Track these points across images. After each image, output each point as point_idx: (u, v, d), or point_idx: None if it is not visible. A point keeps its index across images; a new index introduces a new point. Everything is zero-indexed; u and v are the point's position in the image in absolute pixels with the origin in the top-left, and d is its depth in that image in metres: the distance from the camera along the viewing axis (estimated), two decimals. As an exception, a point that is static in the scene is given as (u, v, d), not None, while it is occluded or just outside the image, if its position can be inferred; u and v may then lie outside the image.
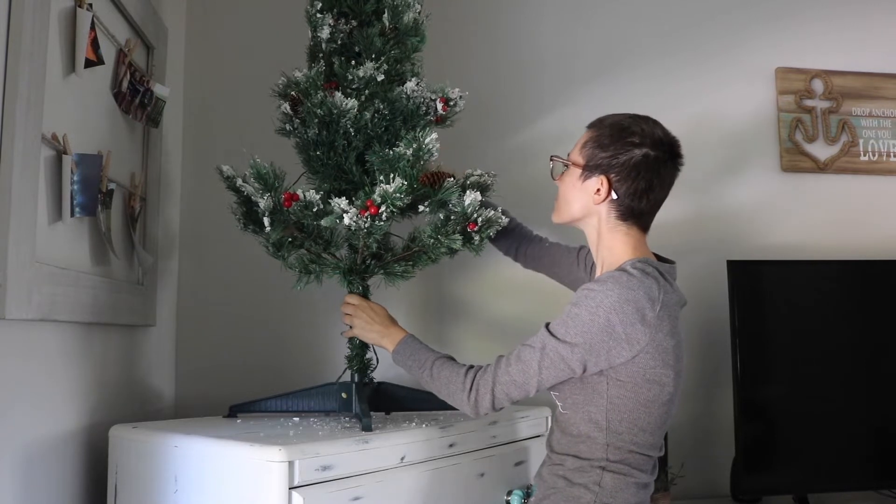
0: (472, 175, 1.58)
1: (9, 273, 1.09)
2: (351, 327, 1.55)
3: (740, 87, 2.25)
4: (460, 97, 1.60)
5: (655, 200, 1.36)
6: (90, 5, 1.35)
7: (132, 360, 1.67)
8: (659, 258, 1.39)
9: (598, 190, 1.34)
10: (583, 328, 1.25)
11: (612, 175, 1.33)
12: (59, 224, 1.29)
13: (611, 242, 1.37)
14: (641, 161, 1.32)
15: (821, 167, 2.27)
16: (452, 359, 1.42)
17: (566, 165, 1.41)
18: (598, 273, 1.40)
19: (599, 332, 1.24)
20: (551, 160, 1.46)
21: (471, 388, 1.33)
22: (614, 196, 1.34)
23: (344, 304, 1.56)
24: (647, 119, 1.37)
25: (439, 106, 1.58)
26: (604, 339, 1.24)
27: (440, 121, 1.60)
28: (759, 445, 1.91)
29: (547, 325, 1.30)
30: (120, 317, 1.55)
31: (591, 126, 1.41)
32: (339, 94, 1.47)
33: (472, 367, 1.37)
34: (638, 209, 1.35)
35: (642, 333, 1.24)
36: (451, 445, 1.47)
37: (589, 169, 1.36)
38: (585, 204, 1.37)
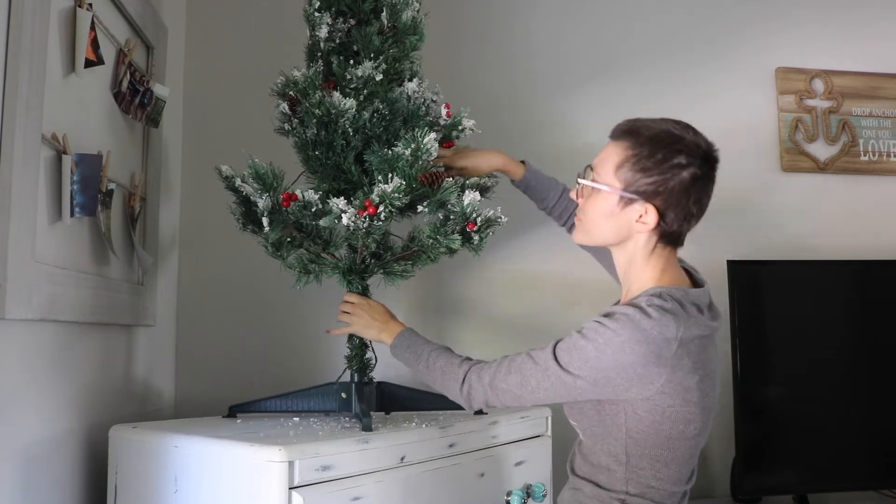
0: (472, 176, 1.58)
1: (9, 273, 1.09)
2: (348, 325, 1.55)
3: (740, 87, 2.25)
4: (472, 129, 1.61)
5: (701, 216, 1.24)
6: (90, 5, 1.35)
7: (132, 360, 1.67)
8: (690, 276, 1.28)
9: (641, 217, 1.20)
10: (588, 364, 1.15)
11: (659, 202, 1.19)
12: (58, 224, 1.29)
13: (642, 269, 1.25)
14: (691, 183, 1.18)
15: (821, 167, 2.27)
16: (450, 350, 1.39)
17: (598, 189, 1.24)
18: (622, 297, 1.30)
19: (606, 370, 1.14)
20: (578, 182, 1.29)
21: (464, 381, 1.29)
22: (664, 225, 1.20)
23: (343, 303, 1.56)
24: (686, 127, 1.22)
25: (443, 111, 1.58)
26: (611, 377, 1.14)
27: (447, 145, 1.59)
28: (759, 445, 1.91)
29: (555, 346, 1.20)
30: (120, 317, 1.55)
31: (623, 137, 1.23)
32: (337, 94, 1.47)
33: (468, 359, 1.34)
34: (684, 232, 1.24)
35: (657, 375, 1.13)
36: (451, 445, 1.47)
37: (630, 195, 1.20)
38: (624, 231, 1.23)
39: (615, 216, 1.23)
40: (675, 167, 1.17)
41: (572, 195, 1.32)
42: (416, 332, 1.47)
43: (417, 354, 1.40)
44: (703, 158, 1.19)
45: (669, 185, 1.18)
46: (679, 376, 1.14)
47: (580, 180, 1.28)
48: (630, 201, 1.20)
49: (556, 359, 1.18)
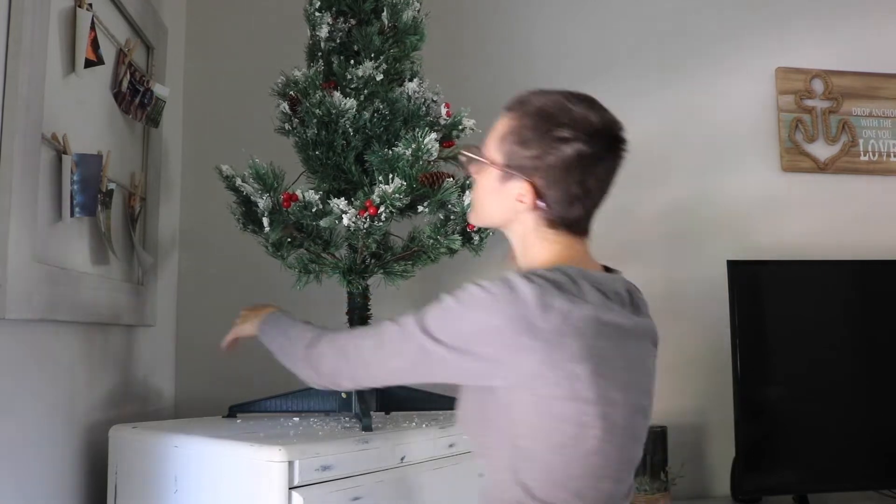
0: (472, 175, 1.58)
1: (9, 273, 1.09)
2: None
3: (740, 87, 2.25)
4: (472, 128, 1.60)
5: (593, 203, 1.08)
6: (90, 5, 1.35)
7: (132, 360, 1.67)
8: (607, 270, 1.13)
9: (521, 195, 1.07)
10: (450, 325, 1.01)
11: (538, 180, 1.05)
12: (59, 224, 1.29)
13: (535, 252, 1.10)
14: (574, 161, 1.03)
15: (821, 167, 2.27)
16: (310, 324, 1.25)
17: (481, 163, 1.12)
18: None
19: (469, 334, 0.99)
20: (461, 155, 1.18)
21: (312, 344, 1.16)
22: (541, 205, 1.06)
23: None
24: (579, 99, 1.07)
25: (443, 111, 1.58)
26: (474, 344, 0.99)
27: (448, 145, 1.59)
28: (759, 445, 1.91)
29: (421, 312, 1.05)
30: (120, 317, 1.55)
31: (511, 108, 1.10)
32: (337, 94, 1.47)
33: (325, 328, 1.20)
34: (571, 217, 1.07)
35: (528, 349, 0.96)
36: (450, 445, 1.47)
37: (510, 170, 1.07)
38: (507, 210, 1.09)
39: (497, 193, 1.09)
40: (557, 141, 1.03)
41: (465, 171, 1.22)
42: (288, 312, 1.33)
43: (282, 328, 1.26)
44: (593, 134, 1.04)
45: (548, 161, 1.04)
46: (559, 358, 0.96)
47: (462, 152, 1.17)
48: (509, 177, 1.07)
49: (420, 320, 1.03)
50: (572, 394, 0.97)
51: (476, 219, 1.19)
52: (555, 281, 0.99)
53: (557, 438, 0.98)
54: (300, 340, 1.19)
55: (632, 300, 1.09)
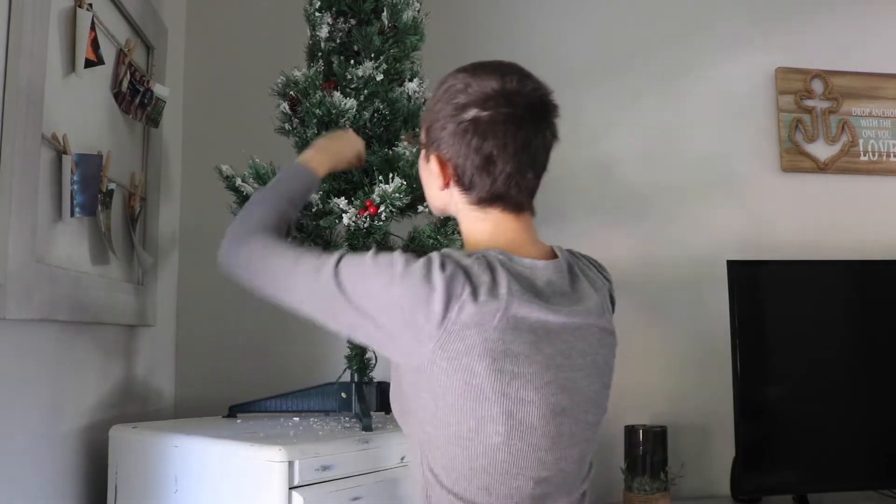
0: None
1: (9, 273, 1.09)
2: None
3: (740, 86, 2.25)
4: None
5: (506, 174, 1.01)
6: (90, 5, 1.35)
7: (132, 360, 1.67)
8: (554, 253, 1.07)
9: (438, 170, 1.05)
10: (358, 280, 0.97)
11: (444, 151, 1.03)
12: (59, 224, 1.29)
13: (469, 233, 1.07)
14: (470, 127, 1.00)
15: (821, 167, 2.27)
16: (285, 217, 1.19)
17: (416, 144, 1.12)
18: None
19: (372, 295, 0.96)
20: (403, 139, 1.18)
21: (244, 226, 1.13)
22: (451, 173, 1.04)
23: None
24: (481, 67, 1.05)
25: None
26: (373, 308, 0.96)
27: None
28: (759, 445, 1.91)
29: (345, 256, 1.01)
30: (120, 317, 1.55)
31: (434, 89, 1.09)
32: (337, 94, 1.47)
33: (278, 235, 1.15)
34: (490, 191, 1.02)
35: (426, 334, 0.93)
36: (450, 445, 1.47)
37: (426, 147, 1.07)
38: (438, 191, 1.07)
39: (426, 172, 1.09)
40: (456, 109, 1.02)
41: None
42: (309, 170, 1.25)
43: (270, 192, 1.21)
44: (488, 99, 1.00)
45: (448, 130, 1.02)
46: (456, 350, 0.92)
47: (406, 135, 1.17)
48: (429, 154, 1.07)
49: (338, 262, 1.00)
50: (468, 388, 0.93)
51: (431, 208, 1.15)
52: (467, 269, 0.94)
53: (456, 429, 0.95)
54: (256, 218, 1.14)
55: (574, 289, 1.04)
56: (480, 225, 1.05)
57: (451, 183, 1.04)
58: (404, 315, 0.94)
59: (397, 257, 0.97)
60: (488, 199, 1.03)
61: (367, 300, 0.96)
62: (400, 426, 1.08)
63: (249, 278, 1.09)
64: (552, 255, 1.07)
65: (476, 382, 0.93)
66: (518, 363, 0.94)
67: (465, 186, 1.03)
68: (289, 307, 1.07)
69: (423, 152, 1.09)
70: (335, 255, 1.01)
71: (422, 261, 0.96)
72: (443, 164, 1.04)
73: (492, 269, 0.96)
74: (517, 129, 1.01)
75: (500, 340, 0.93)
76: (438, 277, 0.93)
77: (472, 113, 1.00)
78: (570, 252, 1.11)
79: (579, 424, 1.02)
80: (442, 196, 1.08)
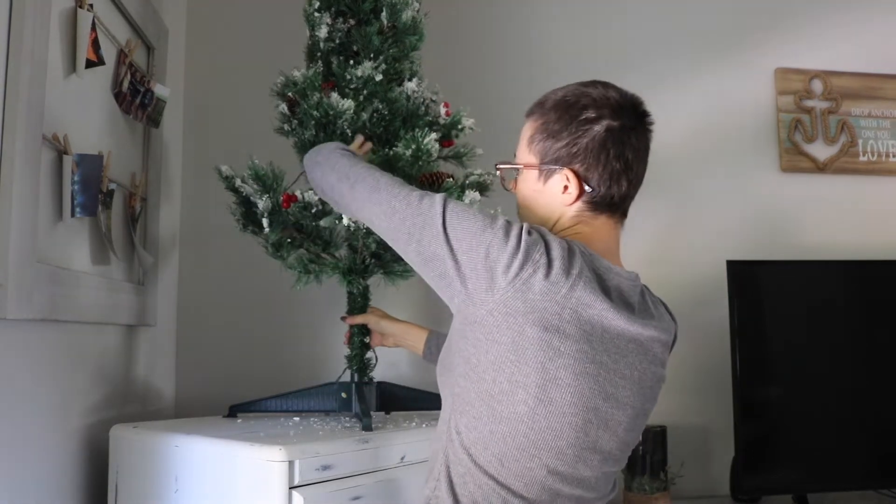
0: (472, 175, 1.58)
1: (9, 273, 1.09)
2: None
3: (740, 87, 2.25)
4: (471, 127, 1.60)
5: (636, 177, 1.11)
6: (91, 6, 1.35)
7: (132, 360, 1.67)
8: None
9: (567, 188, 1.09)
10: (461, 223, 1.02)
11: (577, 166, 1.08)
12: (59, 224, 1.29)
13: (562, 232, 1.12)
14: (606, 137, 1.07)
15: (820, 167, 2.27)
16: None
17: (518, 170, 1.16)
18: None
19: (470, 235, 1.01)
20: (497, 169, 1.22)
21: (362, 179, 1.16)
22: (588, 189, 1.08)
23: None
24: (593, 84, 1.12)
25: (442, 111, 1.58)
26: (464, 249, 1.01)
27: (447, 145, 1.59)
28: (758, 445, 1.91)
29: (447, 197, 1.08)
30: (120, 317, 1.55)
31: (531, 112, 1.15)
32: (335, 95, 1.47)
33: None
34: (618, 195, 1.09)
35: (502, 276, 0.97)
36: (450, 445, 1.47)
37: (547, 166, 1.10)
38: (553, 207, 1.11)
39: (541, 194, 1.12)
40: (584, 123, 1.07)
41: (504, 186, 1.23)
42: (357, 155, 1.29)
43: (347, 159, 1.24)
44: (616, 108, 1.08)
45: (582, 144, 1.07)
46: (516, 308, 0.97)
47: (498, 166, 1.20)
48: (550, 173, 1.10)
49: (445, 197, 1.06)
50: (513, 347, 0.97)
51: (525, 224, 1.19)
52: (549, 243, 1.00)
53: (489, 387, 0.99)
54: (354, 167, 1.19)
55: (641, 306, 1.08)
56: (579, 227, 1.10)
57: (579, 192, 1.08)
58: (489, 260, 0.98)
59: (501, 219, 1.03)
60: (608, 205, 1.10)
61: (461, 235, 1.01)
62: (438, 386, 1.11)
63: (344, 181, 1.16)
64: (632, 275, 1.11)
65: (523, 344, 0.97)
66: (566, 342, 0.97)
67: (595, 193, 1.08)
68: (369, 219, 1.13)
69: (532, 173, 1.12)
70: (441, 194, 1.08)
71: (517, 224, 1.02)
72: (578, 177, 1.08)
73: (571, 253, 1.01)
74: (643, 135, 1.11)
75: (558, 315, 0.97)
76: (524, 239, 0.99)
77: (604, 124, 1.07)
78: (645, 286, 1.16)
79: (608, 432, 1.03)
80: (555, 211, 1.11)
